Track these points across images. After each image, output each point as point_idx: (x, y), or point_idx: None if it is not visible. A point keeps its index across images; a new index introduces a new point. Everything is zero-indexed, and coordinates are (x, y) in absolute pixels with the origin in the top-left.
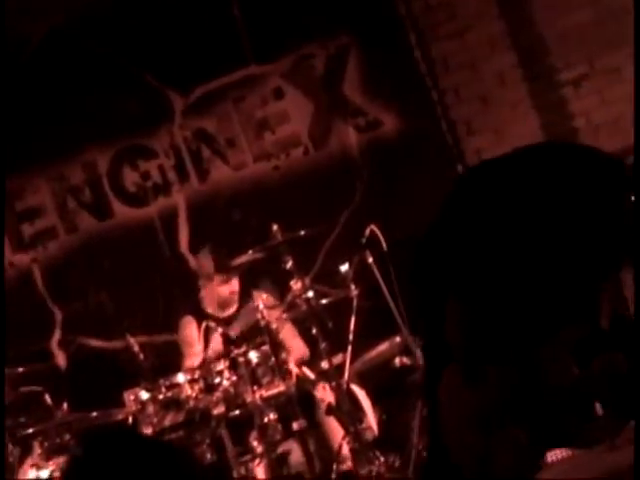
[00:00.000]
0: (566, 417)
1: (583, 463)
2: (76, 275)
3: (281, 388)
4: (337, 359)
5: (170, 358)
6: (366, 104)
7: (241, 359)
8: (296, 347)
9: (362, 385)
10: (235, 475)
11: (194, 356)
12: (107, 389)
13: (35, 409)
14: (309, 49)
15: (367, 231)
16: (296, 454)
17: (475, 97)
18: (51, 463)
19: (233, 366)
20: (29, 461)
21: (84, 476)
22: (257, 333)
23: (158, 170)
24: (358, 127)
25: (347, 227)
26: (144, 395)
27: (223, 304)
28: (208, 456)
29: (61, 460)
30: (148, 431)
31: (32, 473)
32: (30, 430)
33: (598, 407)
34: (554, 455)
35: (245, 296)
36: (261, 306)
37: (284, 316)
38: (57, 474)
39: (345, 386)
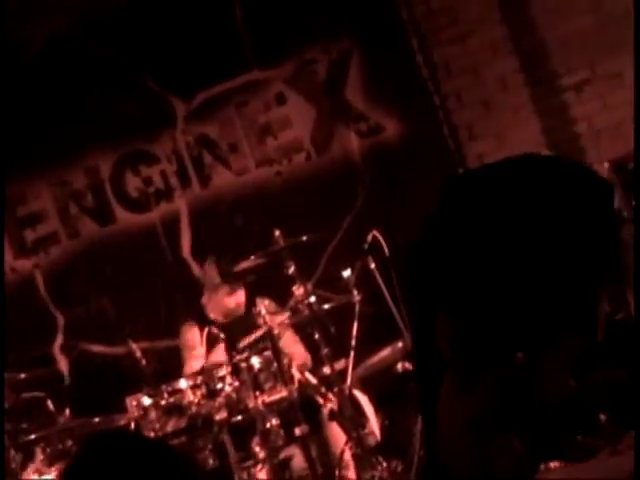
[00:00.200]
0: (562, 429)
1: (585, 465)
2: (78, 280)
3: (283, 394)
4: (339, 365)
5: (172, 364)
6: (368, 109)
7: (243, 365)
8: (297, 353)
9: (364, 391)
10: None
11: (195, 359)
12: (109, 395)
13: (37, 415)
14: (311, 54)
15: (369, 236)
16: (298, 460)
17: (477, 102)
18: (53, 469)
19: (235, 372)
20: (32, 467)
21: (84, 476)
22: (259, 339)
23: (160, 175)
24: (360, 132)
25: (349, 232)
26: (146, 401)
27: (228, 315)
28: (210, 462)
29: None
30: (150, 437)
31: (35, 479)
32: (32, 436)
33: (602, 417)
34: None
35: (249, 304)
36: (263, 312)
37: (286, 322)
38: None
39: (347, 392)
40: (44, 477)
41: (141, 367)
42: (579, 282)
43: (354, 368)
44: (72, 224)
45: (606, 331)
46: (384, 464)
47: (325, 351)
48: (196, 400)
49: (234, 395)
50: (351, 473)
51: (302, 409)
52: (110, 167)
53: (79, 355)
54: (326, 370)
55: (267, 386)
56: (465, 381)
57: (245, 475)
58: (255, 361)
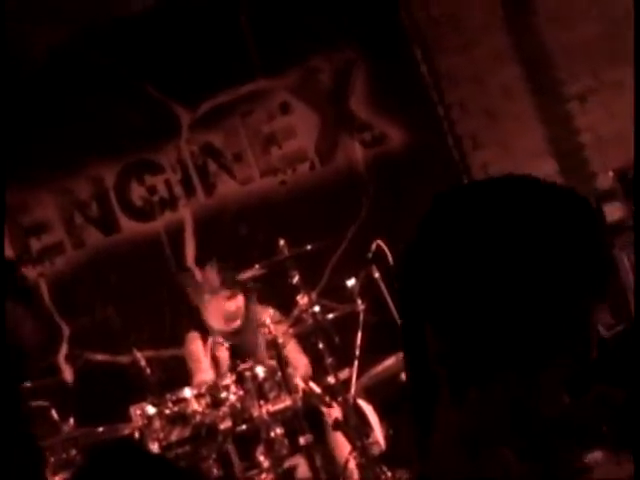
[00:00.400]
0: (557, 445)
1: None
2: (83, 290)
3: (288, 403)
4: (344, 374)
5: (177, 373)
6: (372, 118)
7: (248, 374)
8: (300, 363)
9: (369, 400)
10: None
11: (203, 372)
12: (114, 404)
13: (41, 424)
14: (316, 63)
15: (373, 246)
16: (303, 469)
17: (481, 111)
18: (57, 478)
19: (240, 381)
20: None
21: None
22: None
23: (165, 185)
24: (364, 142)
25: (353, 242)
26: (150, 410)
27: (228, 319)
28: (215, 471)
29: (68, 475)
30: (154, 446)
31: None
32: None
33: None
34: None
35: (251, 311)
36: (268, 321)
37: (290, 331)
38: None
39: (352, 401)
40: None
41: (146, 376)
42: (565, 301)
43: (358, 377)
44: (77, 233)
45: (599, 347)
46: (389, 474)
47: (329, 360)
48: (200, 409)
49: (238, 404)
50: None
51: (306, 418)
52: (115, 176)
53: (84, 364)
54: (330, 379)
55: (271, 395)
56: (452, 394)
57: None
58: (259, 370)
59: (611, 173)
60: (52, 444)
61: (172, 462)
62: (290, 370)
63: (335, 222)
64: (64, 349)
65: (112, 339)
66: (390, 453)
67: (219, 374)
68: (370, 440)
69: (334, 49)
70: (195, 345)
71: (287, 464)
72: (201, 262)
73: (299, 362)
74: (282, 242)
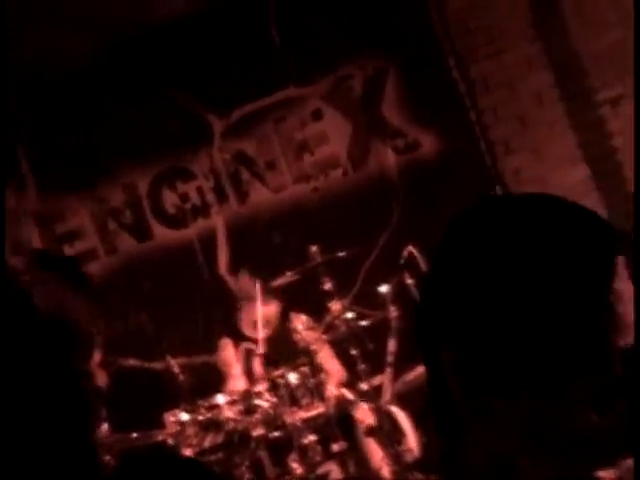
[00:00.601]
0: (584, 464)
1: None
2: (116, 296)
3: (320, 409)
4: (376, 380)
5: (210, 379)
6: (404, 125)
7: (280, 380)
8: (333, 370)
9: (402, 406)
10: None
11: (235, 378)
12: (147, 410)
13: None
14: (347, 70)
15: (405, 252)
16: (336, 475)
17: (513, 117)
18: None
19: (272, 387)
20: None
21: None
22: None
23: (197, 192)
24: (396, 148)
25: (386, 248)
26: (184, 416)
27: (264, 325)
28: (247, 478)
29: None
30: (188, 452)
31: None
32: None
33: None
34: None
35: (284, 318)
36: (300, 328)
37: (323, 338)
38: None
39: (385, 407)
40: None
41: (179, 383)
42: (584, 320)
43: (392, 384)
44: (110, 240)
45: (623, 363)
46: None
47: (362, 367)
48: (233, 416)
49: (271, 411)
50: None
51: (339, 425)
52: (147, 184)
53: (117, 370)
54: (363, 386)
55: (304, 402)
56: (477, 407)
57: None
58: (292, 377)
59: None
60: None
61: (206, 466)
62: (323, 377)
63: (367, 228)
64: (97, 355)
65: (145, 345)
66: (423, 460)
67: (252, 381)
68: (403, 447)
69: (365, 56)
70: (227, 352)
71: (320, 471)
72: (234, 270)
73: (332, 369)
74: (314, 249)
